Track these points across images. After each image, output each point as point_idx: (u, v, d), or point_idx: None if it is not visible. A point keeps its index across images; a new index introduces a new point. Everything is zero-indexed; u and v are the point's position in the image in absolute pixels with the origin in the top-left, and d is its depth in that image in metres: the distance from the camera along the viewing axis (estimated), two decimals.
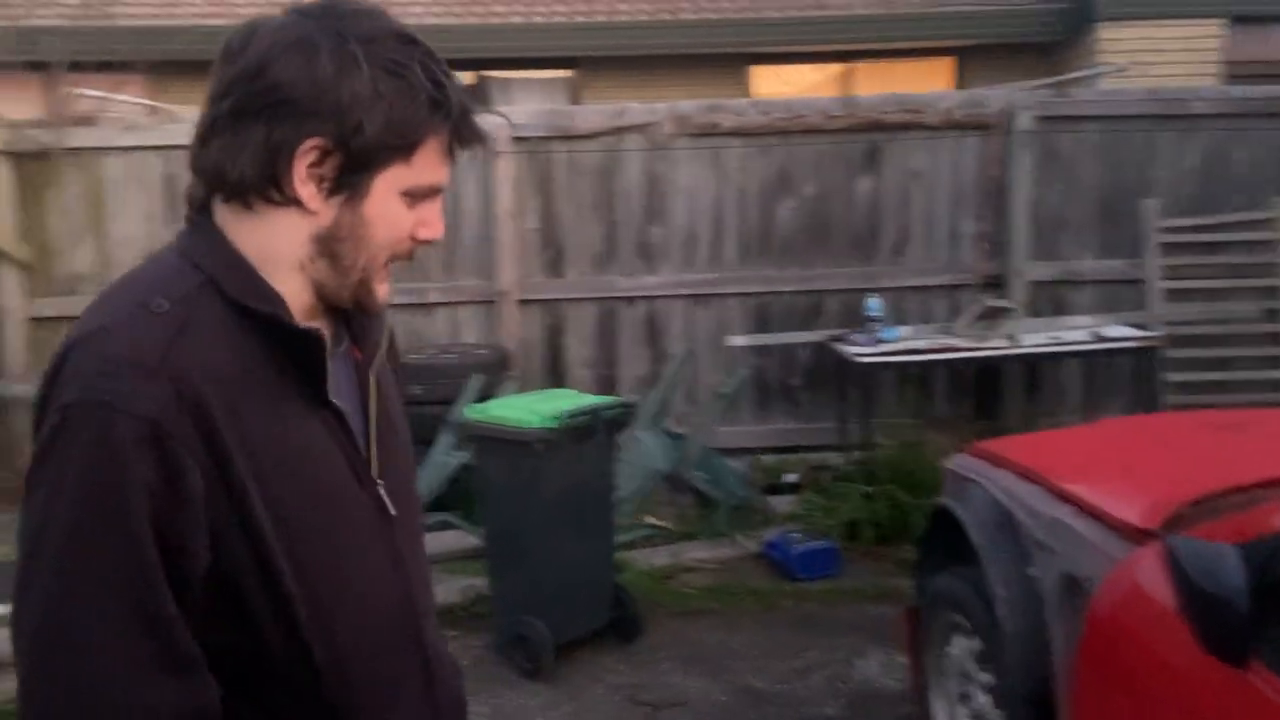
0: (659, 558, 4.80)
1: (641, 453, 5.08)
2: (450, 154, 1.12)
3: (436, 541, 4.89)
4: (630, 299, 6.07)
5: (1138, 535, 2.19)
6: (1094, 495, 2.43)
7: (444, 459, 5.03)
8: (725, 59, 8.95)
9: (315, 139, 1.05)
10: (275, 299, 1.10)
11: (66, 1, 7.15)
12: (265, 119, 1.05)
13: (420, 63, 1.07)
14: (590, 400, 3.96)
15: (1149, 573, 1.99)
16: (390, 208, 1.10)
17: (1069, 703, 2.32)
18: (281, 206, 1.08)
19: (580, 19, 8.76)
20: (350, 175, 1.07)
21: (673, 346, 5.91)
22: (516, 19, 8.79)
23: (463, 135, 1.12)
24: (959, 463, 3.16)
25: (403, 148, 1.08)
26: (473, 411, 3.93)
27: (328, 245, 1.10)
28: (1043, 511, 2.56)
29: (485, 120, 1.18)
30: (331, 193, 1.08)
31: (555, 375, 6.08)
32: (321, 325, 1.15)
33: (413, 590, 1.22)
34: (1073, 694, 2.27)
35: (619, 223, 6.03)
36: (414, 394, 5.32)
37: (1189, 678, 1.82)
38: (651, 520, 5.13)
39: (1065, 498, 2.52)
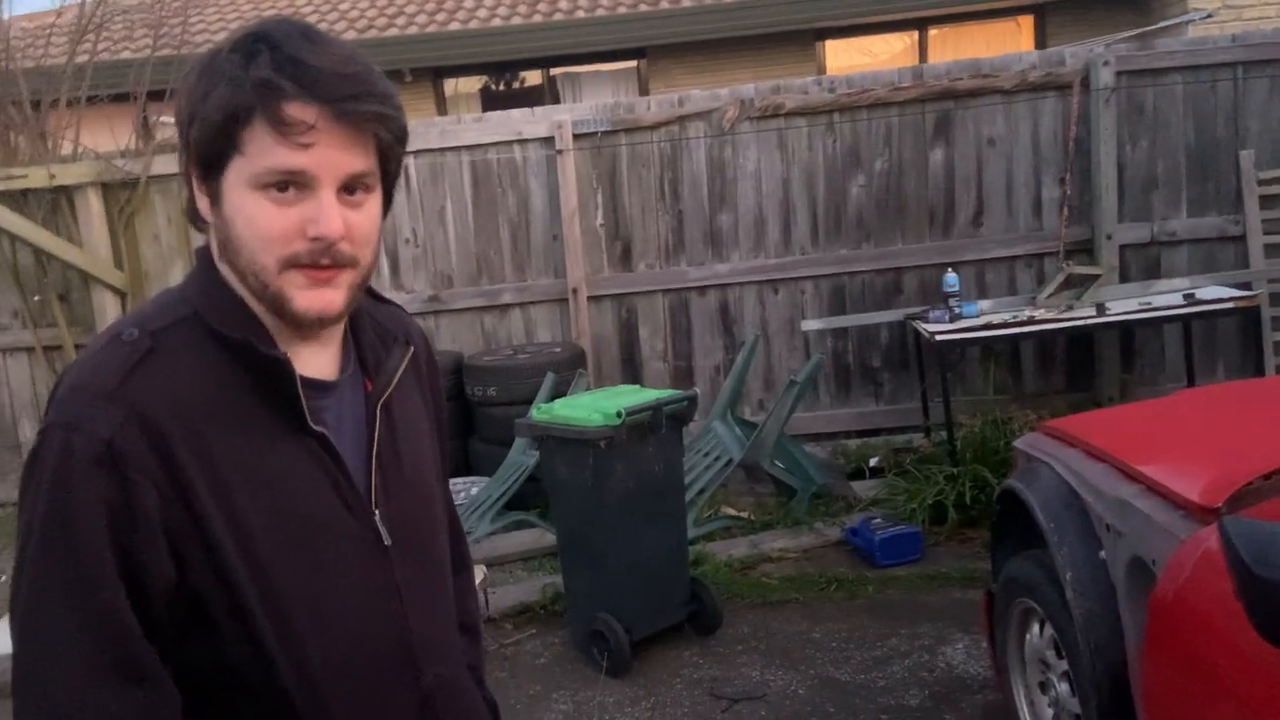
0: (738, 549, 4.75)
1: (715, 443, 5.05)
2: (281, 132, 1.04)
3: (514, 540, 4.95)
4: (701, 288, 6.03)
5: (1201, 514, 2.06)
6: (1159, 472, 2.30)
7: (520, 459, 5.08)
8: (795, 36, 8.80)
9: (188, 155, 1.10)
10: (251, 324, 1.12)
11: (146, 35, 7.43)
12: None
13: (238, 48, 1.06)
14: (653, 395, 3.93)
15: (1210, 554, 1.87)
16: (245, 204, 1.07)
17: (1140, 689, 2.21)
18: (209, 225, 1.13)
19: (645, 8, 8.71)
20: (209, 181, 1.09)
21: (747, 334, 5.84)
22: (581, 13, 8.79)
23: (270, 110, 1.03)
24: (1029, 442, 3.04)
25: (224, 137, 1.05)
26: (538, 411, 3.95)
27: (225, 254, 1.12)
28: (1110, 491, 2.44)
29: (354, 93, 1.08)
30: (212, 202, 1.10)
31: (631, 369, 6.08)
32: (316, 351, 1.16)
33: (410, 622, 1.20)
34: (1143, 680, 2.16)
35: (686, 212, 5.99)
36: (489, 395, 5.39)
37: (1254, 662, 1.70)
38: (729, 511, 5.08)
39: (1132, 476, 2.40)
